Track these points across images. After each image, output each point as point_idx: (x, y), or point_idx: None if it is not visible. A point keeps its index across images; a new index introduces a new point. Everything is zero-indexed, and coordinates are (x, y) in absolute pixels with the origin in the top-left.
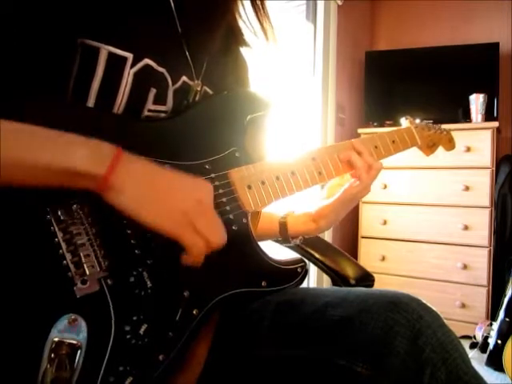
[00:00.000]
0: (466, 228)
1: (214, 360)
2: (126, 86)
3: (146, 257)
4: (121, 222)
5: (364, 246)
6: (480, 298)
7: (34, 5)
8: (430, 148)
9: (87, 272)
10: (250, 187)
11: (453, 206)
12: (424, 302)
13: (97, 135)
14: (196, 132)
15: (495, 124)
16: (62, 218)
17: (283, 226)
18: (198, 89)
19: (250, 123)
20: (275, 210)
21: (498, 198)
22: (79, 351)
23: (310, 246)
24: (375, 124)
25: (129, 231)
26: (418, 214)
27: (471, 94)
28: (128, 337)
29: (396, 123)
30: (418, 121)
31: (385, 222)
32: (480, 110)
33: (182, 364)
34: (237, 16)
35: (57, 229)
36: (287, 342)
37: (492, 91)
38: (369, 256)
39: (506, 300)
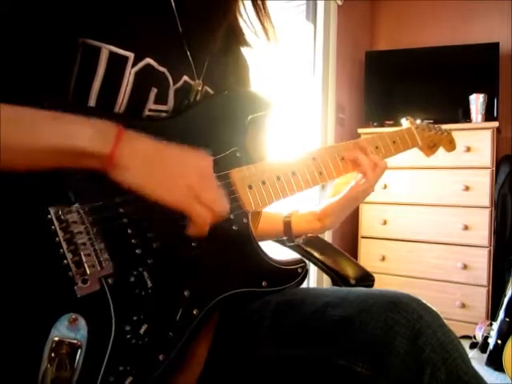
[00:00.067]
0: (465, 228)
1: (214, 360)
2: (127, 85)
3: (146, 256)
4: (121, 222)
5: (364, 246)
6: (480, 298)
7: (34, 4)
8: (430, 149)
9: (88, 271)
10: (250, 187)
11: (453, 206)
12: (424, 302)
13: None
14: (197, 132)
15: (495, 124)
16: (62, 217)
17: (288, 225)
18: (199, 88)
19: (251, 123)
20: (279, 209)
21: (497, 198)
22: (79, 351)
23: (309, 245)
24: (375, 124)
25: (129, 231)
26: (418, 214)
27: (471, 93)
28: (128, 336)
29: (396, 123)
30: (418, 121)
31: (385, 222)
32: (480, 110)
33: (182, 364)
34: (238, 16)
35: (58, 228)
36: (287, 342)
37: (492, 91)
38: (369, 256)
39: (506, 300)
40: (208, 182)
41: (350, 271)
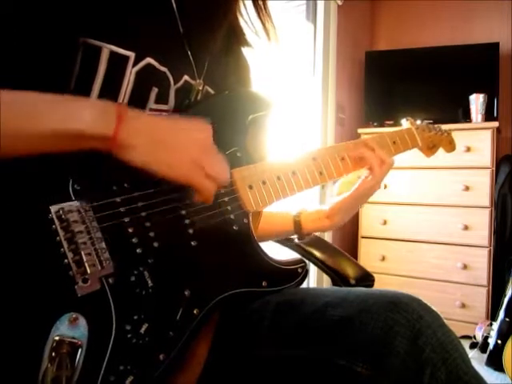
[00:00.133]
0: (465, 228)
1: (213, 360)
2: (127, 85)
3: (147, 256)
4: (122, 221)
5: (364, 246)
6: (480, 298)
7: (35, 4)
8: (430, 149)
9: (88, 271)
10: (251, 187)
11: (453, 206)
12: (424, 302)
13: None
14: None
15: (495, 124)
16: (63, 216)
17: (298, 224)
18: (200, 88)
19: (252, 123)
20: (287, 208)
21: (497, 198)
22: (80, 350)
23: (309, 245)
24: (375, 124)
25: (130, 230)
26: (418, 214)
27: (471, 93)
28: (129, 336)
29: (396, 123)
30: (418, 122)
31: (385, 222)
32: (480, 110)
33: (182, 364)
34: (238, 16)
35: (58, 227)
36: (287, 341)
37: (492, 91)
38: (369, 256)
39: (506, 300)
40: (210, 154)
41: (350, 271)
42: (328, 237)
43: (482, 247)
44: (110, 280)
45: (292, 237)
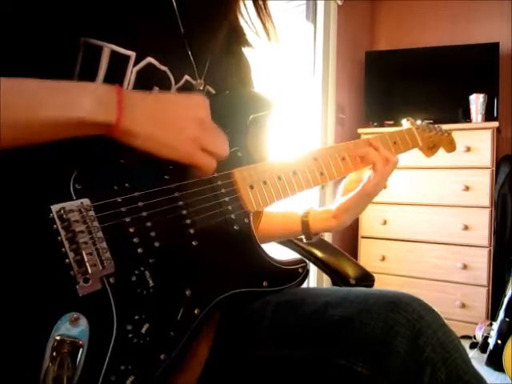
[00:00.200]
0: (465, 228)
1: (214, 360)
2: (128, 84)
3: (148, 256)
4: (123, 221)
5: (364, 246)
6: (480, 298)
7: (36, 4)
8: (430, 149)
9: (89, 270)
10: (252, 187)
11: (453, 206)
12: (424, 302)
13: (100, 136)
14: None
15: (495, 124)
16: (64, 216)
17: (305, 224)
18: (201, 88)
19: (253, 123)
20: (292, 208)
21: (498, 198)
22: (81, 350)
23: (309, 245)
24: (375, 124)
25: (131, 230)
26: (418, 214)
27: (471, 93)
28: (130, 336)
29: (396, 123)
30: (419, 122)
31: (385, 222)
32: (480, 110)
33: (182, 363)
34: (239, 16)
35: (59, 227)
36: (287, 341)
37: (492, 91)
38: (369, 256)
39: (506, 300)
40: (209, 130)
41: (350, 271)
42: (328, 237)
43: (481, 247)
44: (111, 280)
45: (299, 237)
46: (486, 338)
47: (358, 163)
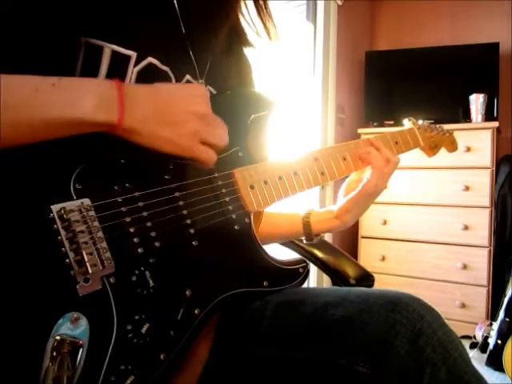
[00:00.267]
0: (466, 228)
1: (214, 360)
2: None
3: (148, 256)
4: (124, 221)
5: (364, 246)
6: (480, 298)
7: (36, 4)
8: (432, 149)
9: (89, 270)
10: (252, 187)
11: (453, 206)
12: (425, 301)
13: (101, 134)
14: None
15: (495, 124)
16: (64, 216)
17: (307, 225)
18: None
19: (253, 123)
20: (295, 209)
21: (498, 198)
22: (81, 350)
23: (310, 245)
24: (375, 124)
25: (131, 230)
26: (418, 214)
27: (471, 94)
28: (130, 336)
29: (396, 123)
30: (420, 122)
31: (385, 222)
32: (480, 110)
33: (182, 363)
34: (240, 16)
35: (60, 227)
36: (287, 341)
37: (492, 91)
38: (369, 256)
39: (506, 300)
40: (209, 123)
41: (350, 271)
42: (328, 237)
43: (481, 247)
44: (112, 280)
45: (300, 238)
46: (486, 338)
47: (359, 163)
